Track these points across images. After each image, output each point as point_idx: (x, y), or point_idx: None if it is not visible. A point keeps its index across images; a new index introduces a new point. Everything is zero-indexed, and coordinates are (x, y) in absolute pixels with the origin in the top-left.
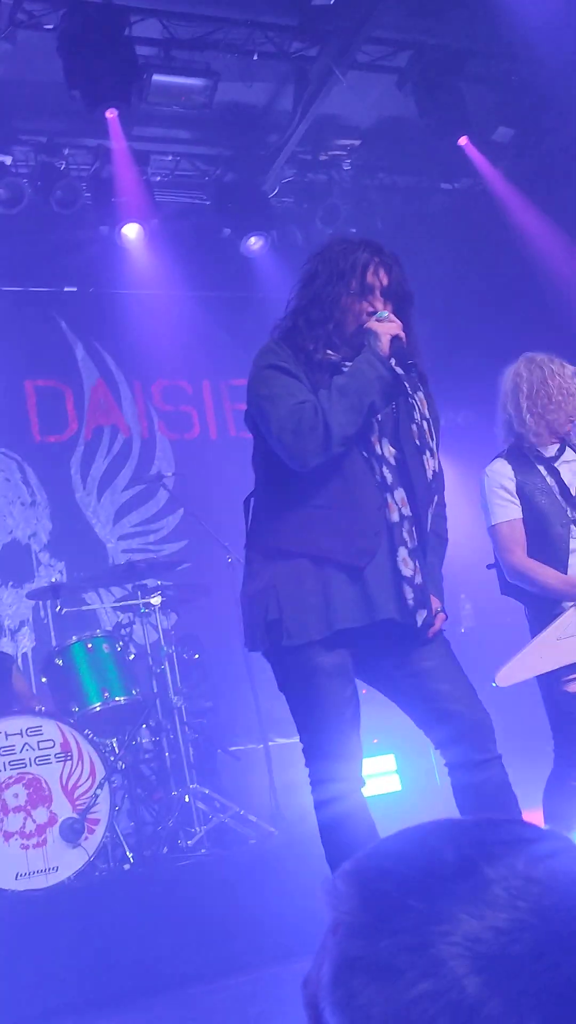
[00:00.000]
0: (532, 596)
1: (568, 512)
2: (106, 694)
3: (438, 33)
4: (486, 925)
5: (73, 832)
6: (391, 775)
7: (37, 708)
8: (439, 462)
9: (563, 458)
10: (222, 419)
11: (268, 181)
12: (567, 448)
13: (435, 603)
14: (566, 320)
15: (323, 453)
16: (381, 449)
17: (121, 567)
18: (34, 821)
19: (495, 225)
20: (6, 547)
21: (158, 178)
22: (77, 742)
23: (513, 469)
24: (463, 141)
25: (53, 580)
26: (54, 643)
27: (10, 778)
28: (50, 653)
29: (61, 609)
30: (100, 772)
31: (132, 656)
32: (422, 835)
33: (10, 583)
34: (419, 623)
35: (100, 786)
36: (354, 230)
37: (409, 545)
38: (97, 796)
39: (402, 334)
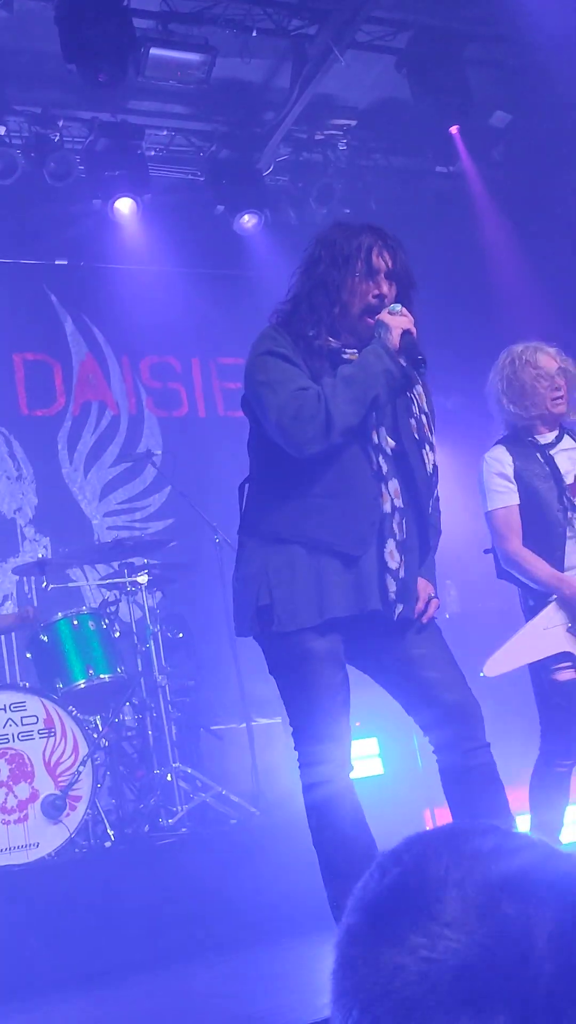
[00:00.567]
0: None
1: (564, 498)
2: (91, 671)
3: (439, 15)
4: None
5: (55, 808)
6: (373, 758)
7: (21, 684)
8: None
9: (560, 446)
10: (211, 397)
11: (263, 159)
12: (565, 436)
13: (428, 589)
14: (556, 305)
15: (322, 441)
16: (379, 439)
17: (108, 544)
18: (16, 797)
19: (489, 210)
20: None
21: (152, 152)
22: (61, 718)
23: (512, 455)
24: (454, 130)
25: (40, 556)
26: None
27: None
28: (35, 629)
29: (47, 585)
30: (83, 749)
31: (117, 634)
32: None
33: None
34: (395, 616)
35: (83, 763)
36: (348, 211)
37: (397, 537)
38: (80, 773)
39: (413, 329)
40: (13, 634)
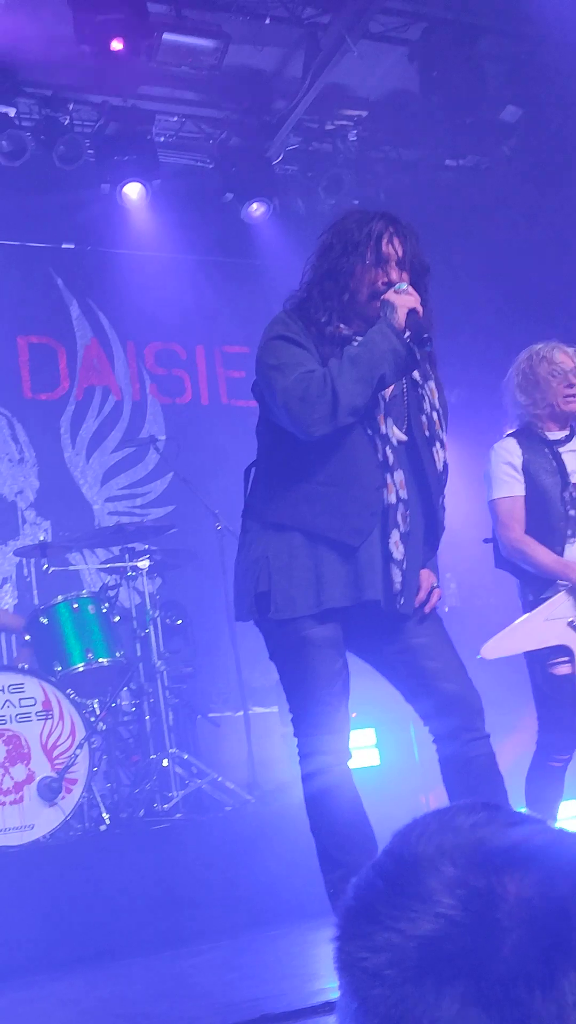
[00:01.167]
0: (526, 573)
1: (568, 496)
2: (90, 655)
3: (453, 7)
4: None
5: (51, 791)
6: (370, 749)
7: (20, 665)
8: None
9: (570, 445)
10: (214, 385)
11: (273, 147)
12: None
13: (431, 579)
14: (565, 299)
15: (330, 422)
16: (386, 428)
17: (109, 529)
18: (12, 778)
19: (498, 204)
20: None
21: (162, 138)
22: (59, 701)
23: (521, 448)
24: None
25: (41, 539)
26: (37, 601)
27: None
28: (35, 611)
29: (48, 568)
30: (80, 732)
31: (117, 619)
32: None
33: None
34: (399, 608)
35: (80, 746)
36: (356, 201)
37: (402, 528)
38: (76, 756)
39: (419, 308)
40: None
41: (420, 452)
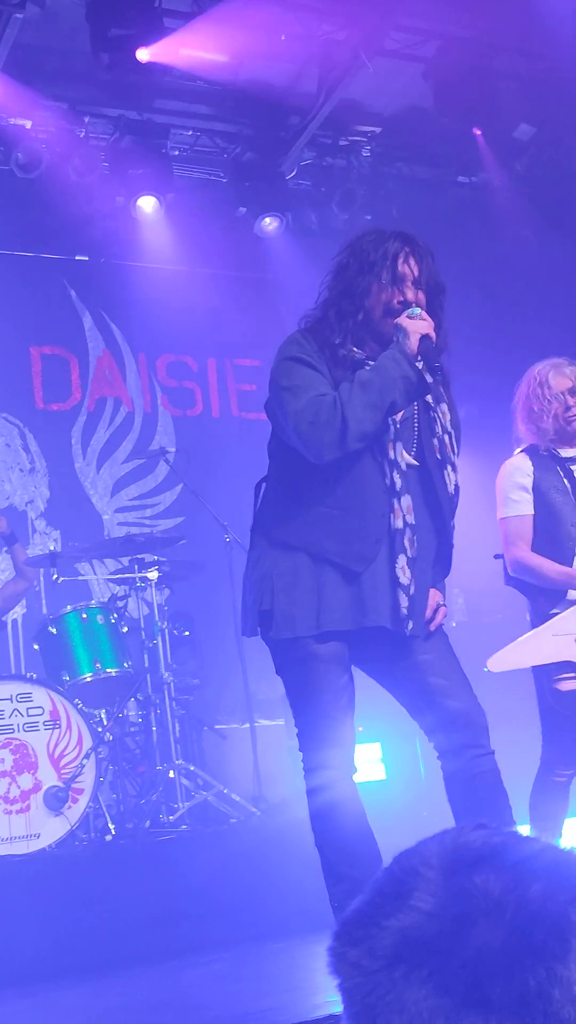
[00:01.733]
0: (534, 589)
1: None
2: (98, 665)
3: (468, 25)
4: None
5: (57, 800)
6: (376, 763)
7: (28, 675)
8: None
9: None
10: (225, 398)
11: (287, 162)
12: None
13: (436, 597)
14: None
15: (339, 447)
16: (395, 454)
17: (119, 540)
18: (19, 787)
19: (510, 221)
20: (3, 512)
21: (176, 152)
22: (66, 711)
23: (533, 465)
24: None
25: (51, 548)
26: (45, 611)
27: None
28: (44, 621)
29: (58, 578)
30: (87, 742)
31: (125, 629)
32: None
33: (4, 549)
34: (407, 631)
35: (87, 756)
36: (369, 217)
37: (409, 553)
38: (83, 766)
39: (432, 333)
40: (19, 625)
41: (432, 475)
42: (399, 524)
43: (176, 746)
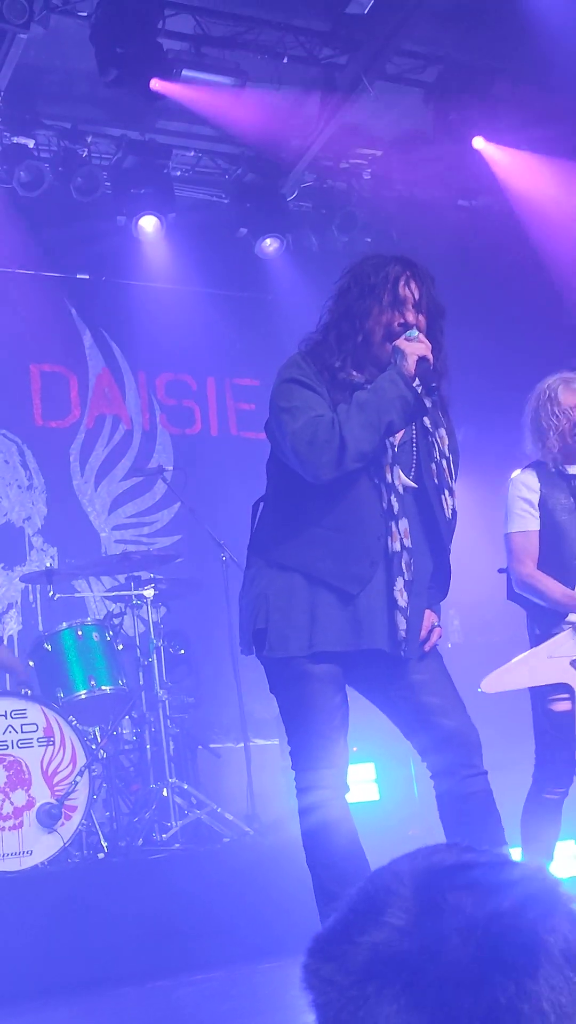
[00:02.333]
0: (535, 606)
1: None
2: (92, 682)
3: (468, 49)
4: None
5: (50, 817)
6: (370, 784)
7: (23, 692)
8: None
9: None
10: (224, 417)
11: (288, 184)
12: None
13: (431, 618)
14: (573, 341)
15: (337, 467)
16: (392, 477)
17: (115, 557)
18: (12, 803)
19: (509, 243)
20: (0, 529)
21: (178, 172)
22: (60, 728)
23: (540, 481)
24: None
25: (48, 565)
26: (41, 628)
27: None
28: (39, 637)
29: (54, 595)
30: (81, 759)
31: (120, 647)
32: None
33: (1, 565)
34: (403, 654)
35: (80, 773)
36: (369, 239)
37: (406, 576)
38: (76, 783)
39: (430, 356)
40: (15, 641)
41: (429, 499)
42: (396, 547)
43: (170, 764)
